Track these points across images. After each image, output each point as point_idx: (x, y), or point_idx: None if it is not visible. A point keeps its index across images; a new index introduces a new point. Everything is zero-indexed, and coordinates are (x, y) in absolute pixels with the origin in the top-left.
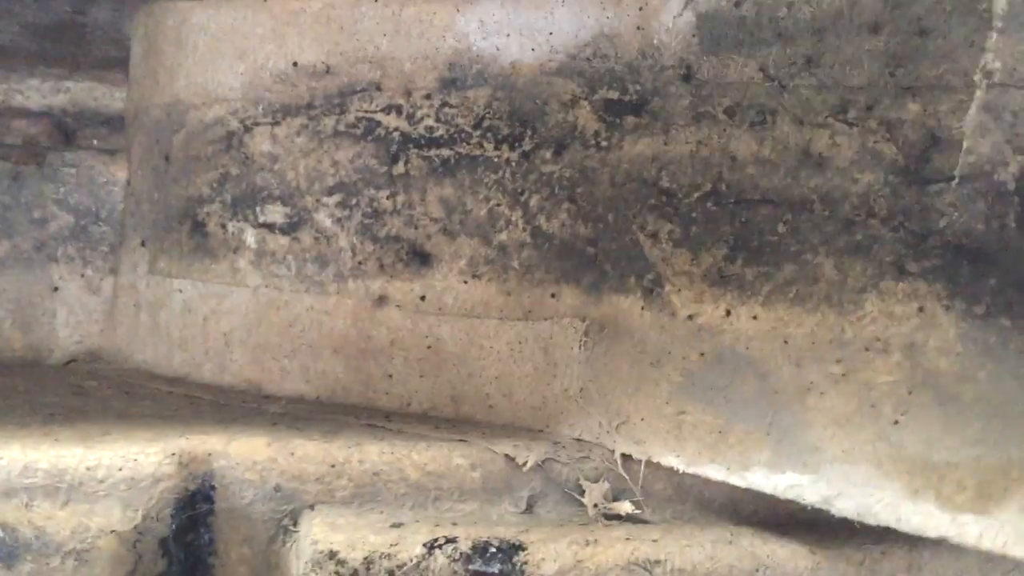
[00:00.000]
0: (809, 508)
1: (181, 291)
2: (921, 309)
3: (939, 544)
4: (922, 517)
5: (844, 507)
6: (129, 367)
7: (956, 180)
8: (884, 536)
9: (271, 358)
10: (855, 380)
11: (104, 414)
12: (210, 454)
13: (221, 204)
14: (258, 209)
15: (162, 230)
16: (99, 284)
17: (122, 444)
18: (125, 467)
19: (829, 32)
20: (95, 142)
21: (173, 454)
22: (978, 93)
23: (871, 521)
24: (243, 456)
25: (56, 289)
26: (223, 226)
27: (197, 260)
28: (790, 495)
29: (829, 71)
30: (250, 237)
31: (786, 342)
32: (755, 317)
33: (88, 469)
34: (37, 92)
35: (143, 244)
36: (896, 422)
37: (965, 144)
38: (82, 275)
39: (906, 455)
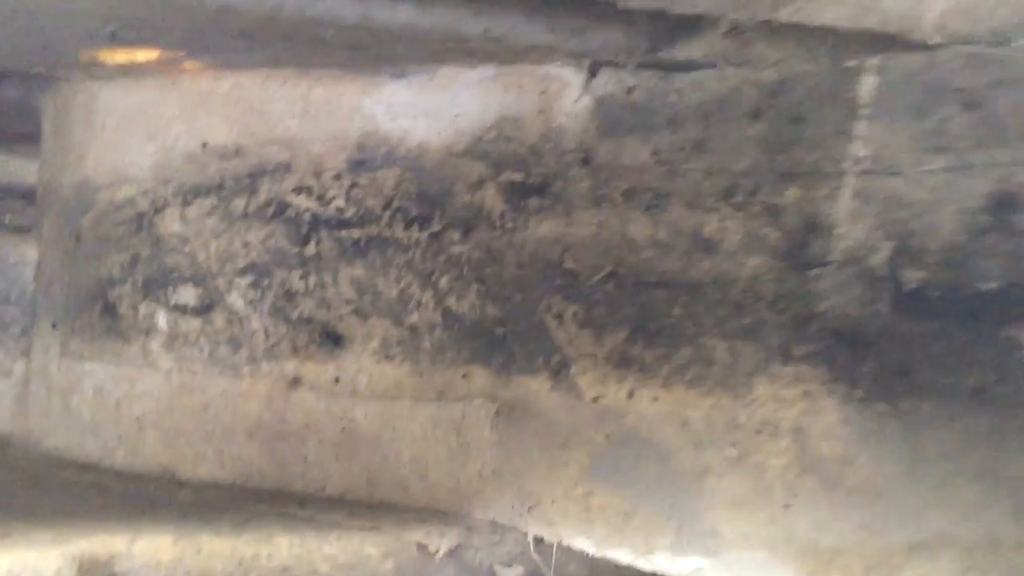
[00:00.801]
0: None
1: (93, 374)
2: (806, 393)
3: None
4: None
5: None
6: (41, 453)
7: (833, 265)
8: None
9: (185, 442)
10: (749, 463)
11: (7, 511)
12: (113, 556)
13: (132, 286)
14: (169, 290)
15: (73, 312)
16: (10, 367)
17: (21, 549)
18: (24, 574)
19: (714, 118)
20: (8, 217)
21: (74, 559)
22: (849, 180)
23: None
24: (147, 556)
25: None
26: (134, 308)
27: (109, 342)
28: None
29: (716, 156)
30: (162, 319)
31: (685, 425)
32: (656, 399)
33: None
34: None
35: (54, 326)
36: (787, 506)
37: (839, 230)
38: None
39: (797, 539)
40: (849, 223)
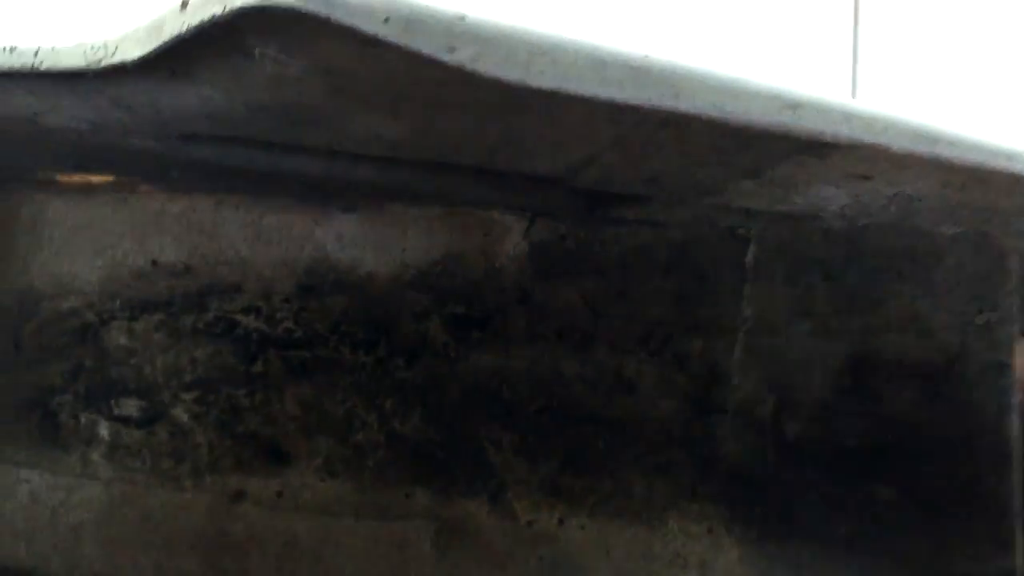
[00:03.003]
0: None
1: (28, 481)
2: (710, 530)
3: None
4: None
5: None
6: None
7: (730, 413)
8: None
9: (124, 553)
10: None
11: None
12: None
13: (74, 395)
14: (113, 402)
15: (10, 418)
16: None
17: None
18: None
19: (633, 269)
20: None
21: None
22: (741, 336)
23: None
24: None
25: None
26: (75, 417)
27: (47, 450)
28: None
29: (635, 304)
30: (104, 430)
31: (608, 553)
32: (583, 527)
33: None
34: None
35: None
36: None
37: (734, 381)
38: None
39: None
40: (741, 375)
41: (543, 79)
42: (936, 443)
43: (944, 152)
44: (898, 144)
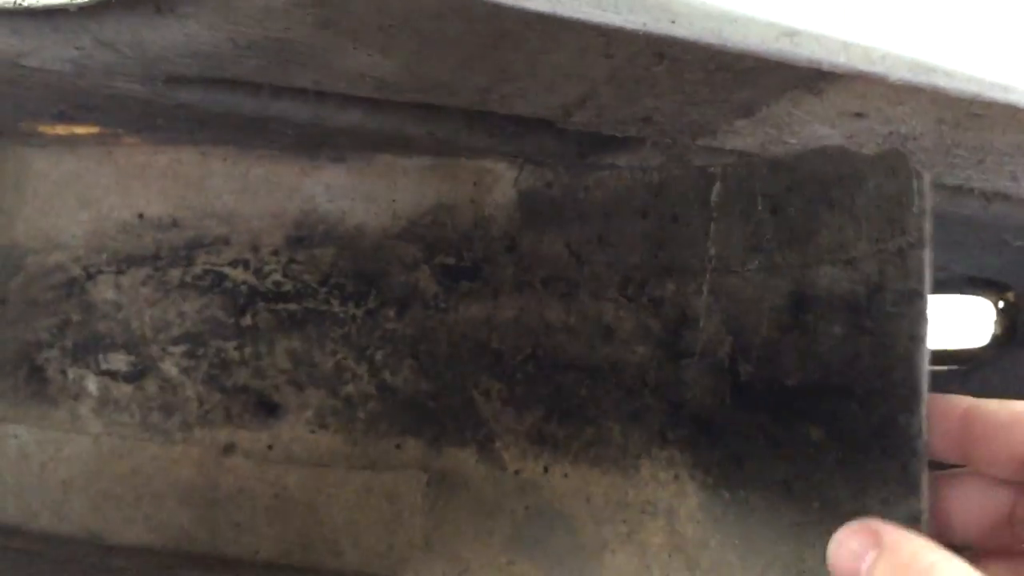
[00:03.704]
0: None
1: (16, 436)
2: (676, 476)
3: None
4: None
5: None
6: None
7: (696, 356)
8: None
9: (113, 507)
10: (635, 540)
11: None
12: None
13: (61, 350)
14: (100, 357)
15: None
16: None
17: None
18: None
19: (614, 215)
20: None
21: None
22: (706, 276)
23: None
24: None
25: None
26: (63, 372)
27: (35, 406)
28: None
29: (615, 250)
30: (92, 384)
31: (588, 500)
32: (566, 475)
33: None
34: None
35: None
36: None
37: (701, 323)
38: None
39: None
40: (706, 317)
41: (538, 2)
42: (859, 379)
43: (941, 82)
44: (896, 74)
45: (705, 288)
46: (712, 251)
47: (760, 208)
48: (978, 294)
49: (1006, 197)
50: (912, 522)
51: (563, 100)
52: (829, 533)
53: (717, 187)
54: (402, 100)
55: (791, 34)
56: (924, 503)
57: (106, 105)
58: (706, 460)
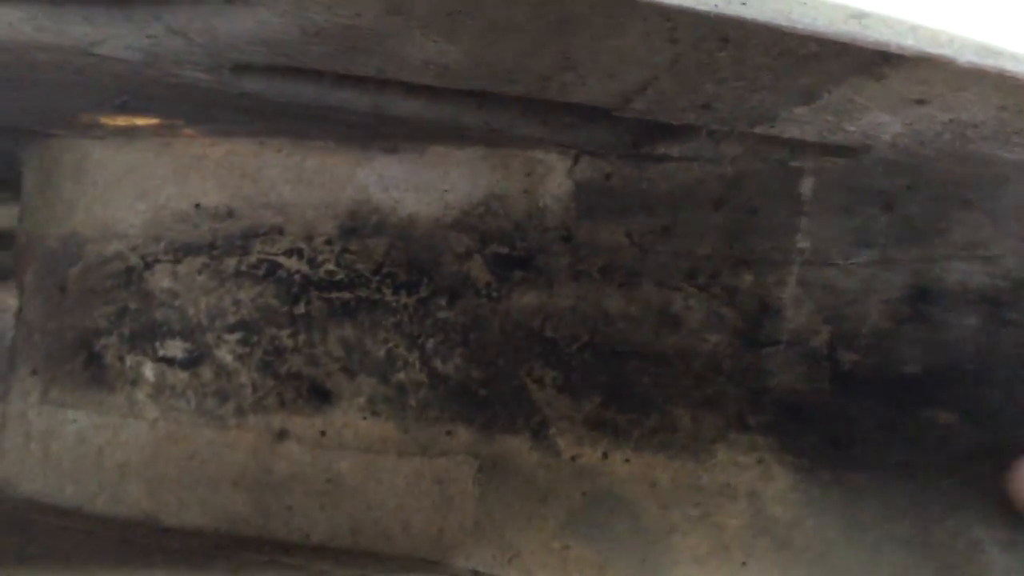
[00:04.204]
0: None
1: (75, 421)
2: (760, 460)
3: None
4: None
5: None
6: (18, 498)
7: (781, 345)
8: None
9: (169, 490)
10: (710, 523)
11: (2, 556)
12: None
13: (119, 337)
14: (157, 344)
15: (56, 360)
16: None
17: None
18: None
19: (681, 206)
20: None
21: None
22: (794, 268)
23: None
24: None
25: None
26: (121, 359)
27: (93, 391)
28: None
29: (682, 240)
30: (148, 371)
31: (653, 485)
32: (627, 461)
33: None
34: None
35: (34, 373)
36: (744, 564)
37: (787, 313)
38: None
39: None
40: (794, 308)
41: None
42: (999, 367)
43: (1008, 66)
44: (963, 57)
45: (791, 280)
46: (803, 244)
47: (870, 204)
48: None
49: None
50: None
51: (623, 87)
52: (962, 509)
53: (809, 182)
54: (461, 88)
55: (859, 16)
56: None
57: (168, 95)
58: (798, 444)
